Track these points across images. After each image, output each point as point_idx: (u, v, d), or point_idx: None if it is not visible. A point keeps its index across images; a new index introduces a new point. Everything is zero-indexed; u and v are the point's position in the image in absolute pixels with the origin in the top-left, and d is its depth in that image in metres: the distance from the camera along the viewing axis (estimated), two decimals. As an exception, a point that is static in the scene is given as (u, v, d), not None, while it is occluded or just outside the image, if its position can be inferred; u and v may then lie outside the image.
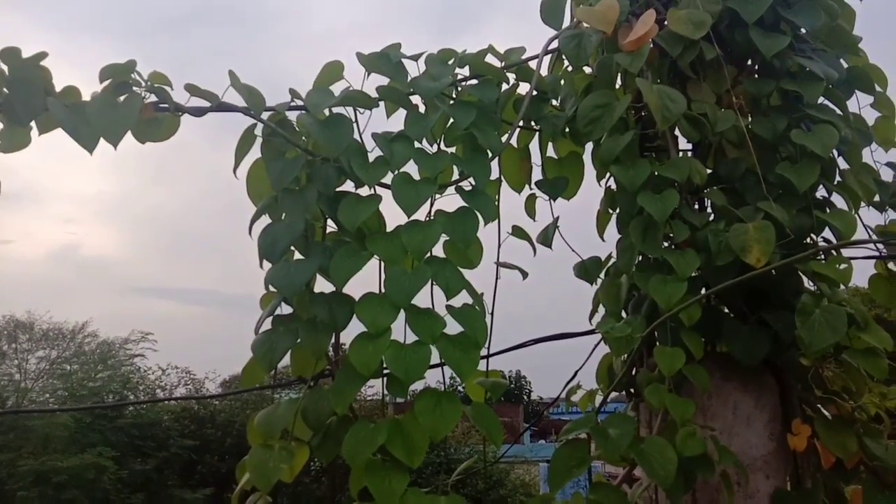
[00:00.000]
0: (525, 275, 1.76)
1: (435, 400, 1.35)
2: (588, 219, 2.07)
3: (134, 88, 1.49)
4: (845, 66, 1.89)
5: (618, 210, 1.80)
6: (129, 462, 11.11)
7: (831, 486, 1.60)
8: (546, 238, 1.90)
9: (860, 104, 1.94)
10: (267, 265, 1.48)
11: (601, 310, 1.87)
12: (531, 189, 1.96)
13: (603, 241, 2.00)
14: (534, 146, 1.97)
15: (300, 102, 1.58)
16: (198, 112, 1.57)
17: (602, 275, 1.91)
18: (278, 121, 1.60)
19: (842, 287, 1.53)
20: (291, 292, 1.42)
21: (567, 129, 1.85)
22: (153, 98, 1.52)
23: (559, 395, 1.99)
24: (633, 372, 1.74)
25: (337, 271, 1.41)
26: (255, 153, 1.62)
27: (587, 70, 1.97)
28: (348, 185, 1.55)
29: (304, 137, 1.59)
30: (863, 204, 1.79)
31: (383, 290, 1.42)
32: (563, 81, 1.90)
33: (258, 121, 1.57)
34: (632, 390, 1.77)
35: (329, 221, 1.58)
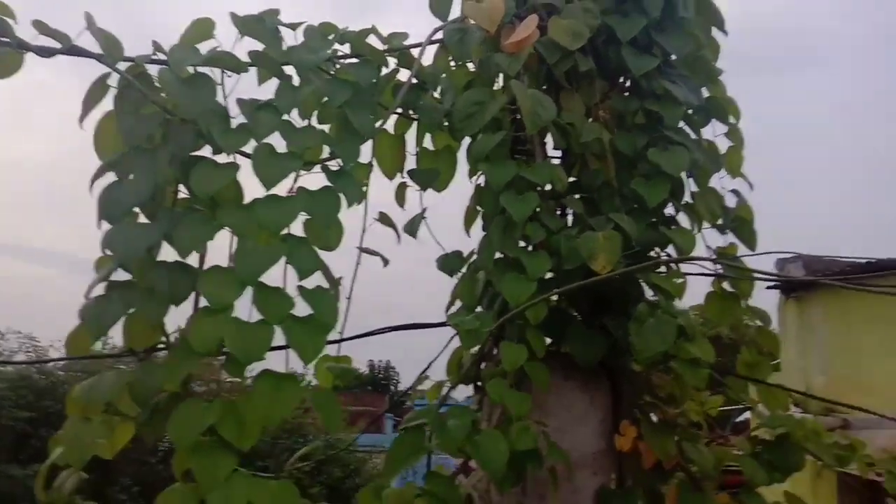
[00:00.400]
0: (386, 262, 1.74)
1: (274, 382, 1.30)
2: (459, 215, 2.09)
3: (-32, 16, 1.34)
4: (706, 94, 2.03)
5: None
6: (-49, 432, 10.09)
7: (651, 486, 1.71)
8: (412, 228, 1.90)
9: (715, 132, 2.09)
10: (106, 226, 1.38)
11: (458, 303, 1.90)
12: (403, 177, 1.95)
13: (469, 236, 2.03)
14: (411, 135, 1.97)
15: (163, 56, 1.48)
16: (44, 52, 1.44)
17: (464, 270, 1.94)
18: (137, 73, 1.49)
19: (678, 301, 1.65)
20: (128, 257, 1.32)
21: (445, 123, 1.86)
22: (-8, 30, 1.37)
23: (411, 386, 2.00)
24: (483, 366, 1.78)
25: (182, 240, 1.33)
26: (108, 104, 1.51)
27: (471, 66, 1.99)
28: (207, 151, 1.47)
29: (163, 94, 1.49)
30: (707, 225, 1.93)
31: (232, 265, 1.35)
32: (444, 74, 1.91)
33: (114, 70, 1.45)
34: (479, 384, 1.80)
35: (183, 187, 1.49)
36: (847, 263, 4.90)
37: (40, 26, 1.40)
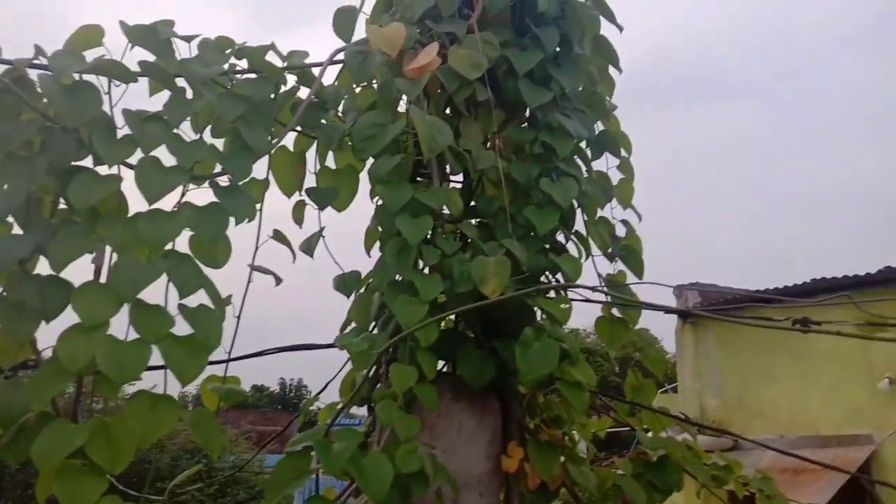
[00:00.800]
0: (279, 281, 1.72)
1: (149, 403, 1.26)
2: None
3: None
4: (602, 128, 2.12)
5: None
6: None
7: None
8: (309, 247, 1.88)
9: (608, 164, 2.19)
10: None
11: (354, 324, 1.89)
12: (302, 195, 1.93)
13: (369, 257, 2.03)
14: (313, 153, 1.96)
15: (45, 61, 1.42)
16: (-88, 49, 1.35)
17: (362, 290, 1.94)
18: (16, 77, 1.42)
19: (565, 325, 1.70)
20: (-5, 269, 1.26)
21: (348, 142, 1.86)
22: None
23: (300, 411, 1.97)
24: (377, 386, 1.77)
25: (57, 253, 1.28)
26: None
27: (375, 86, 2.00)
28: (89, 161, 1.42)
29: (44, 101, 1.43)
30: (598, 253, 2.01)
31: (109, 280, 1.30)
32: (346, 96, 1.92)
33: (-11, 73, 1.38)
34: (372, 405, 1.80)
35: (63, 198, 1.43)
36: (737, 292, 5.22)
37: None
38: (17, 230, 1.39)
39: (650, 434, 2.10)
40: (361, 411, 2.01)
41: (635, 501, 1.86)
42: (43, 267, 1.39)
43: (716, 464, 2.24)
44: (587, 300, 1.80)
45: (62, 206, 1.46)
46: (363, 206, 2.05)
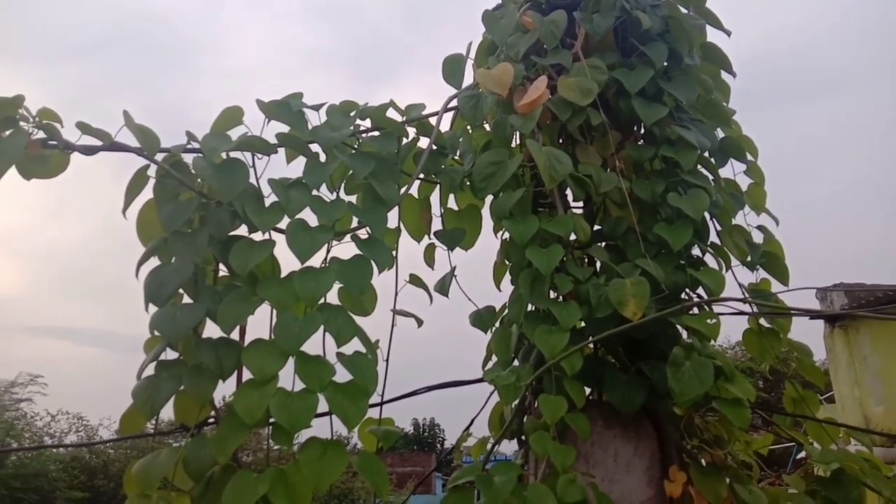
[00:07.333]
0: (420, 322, 1.78)
1: (321, 449, 1.34)
2: (489, 269, 2.13)
3: (21, 124, 1.45)
4: (722, 135, 2.07)
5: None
6: (7, 518, 10.23)
7: (704, 531, 1.68)
8: (443, 287, 1.94)
9: (735, 171, 2.12)
10: (153, 308, 1.45)
11: (495, 358, 1.92)
12: (431, 238, 2.01)
13: (500, 291, 2.06)
14: (436, 197, 2.04)
15: (196, 145, 1.58)
16: (88, 151, 1.54)
17: (497, 324, 1.97)
18: (173, 162, 1.58)
19: (713, 341, 1.64)
20: (176, 337, 1.39)
21: (467, 183, 1.92)
22: (41, 134, 1.48)
23: (454, 446, 2.00)
24: (525, 418, 1.78)
25: (225, 316, 1.40)
26: (147, 193, 1.60)
27: (488, 127, 2.06)
28: (243, 229, 1.55)
29: (199, 180, 1.58)
30: (737, 263, 1.94)
31: (273, 337, 1.41)
32: (461, 138, 1.98)
33: (152, 162, 1.55)
34: (522, 437, 1.80)
35: (222, 265, 1.57)
36: (889, 288, 4.78)
37: (83, 127, 1.51)
38: (186, 300, 1.54)
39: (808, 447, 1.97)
40: (503, 447, 2.03)
41: (813, 521, 1.74)
42: (210, 330, 1.53)
43: (897, 476, 2.05)
44: (738, 313, 1.74)
45: (222, 273, 1.60)
46: (487, 241, 2.09)
